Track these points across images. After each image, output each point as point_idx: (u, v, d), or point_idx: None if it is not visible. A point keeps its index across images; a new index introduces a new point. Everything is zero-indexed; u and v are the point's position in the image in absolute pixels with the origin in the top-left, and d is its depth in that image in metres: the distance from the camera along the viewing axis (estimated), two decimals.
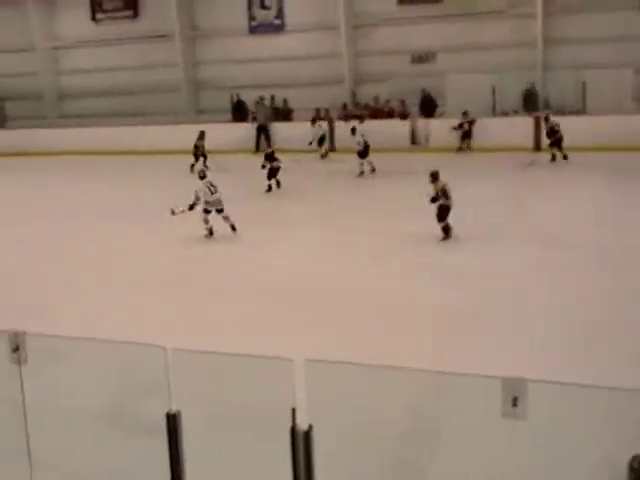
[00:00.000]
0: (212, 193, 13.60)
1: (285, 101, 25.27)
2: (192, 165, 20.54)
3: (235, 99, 25.78)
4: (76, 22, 28.70)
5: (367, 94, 24.82)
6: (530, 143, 21.48)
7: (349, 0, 24.80)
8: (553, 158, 19.64)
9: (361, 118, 23.13)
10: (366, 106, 24.61)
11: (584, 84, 22.10)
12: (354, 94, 25.27)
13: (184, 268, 12.02)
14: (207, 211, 13.69)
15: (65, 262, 12.62)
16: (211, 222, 13.74)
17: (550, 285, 10.01)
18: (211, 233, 13.83)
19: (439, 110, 23.66)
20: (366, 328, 8.72)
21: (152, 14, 27.36)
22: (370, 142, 19.12)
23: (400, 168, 19.54)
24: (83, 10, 28.51)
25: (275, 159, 17.52)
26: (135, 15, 27.88)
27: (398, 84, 23.76)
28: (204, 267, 12.25)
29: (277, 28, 26.08)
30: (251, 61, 25.62)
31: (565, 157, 19.35)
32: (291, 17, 25.77)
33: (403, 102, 23.74)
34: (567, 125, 19.36)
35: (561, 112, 21.38)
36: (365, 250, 12.38)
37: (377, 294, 9.99)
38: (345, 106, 24.72)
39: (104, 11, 28.41)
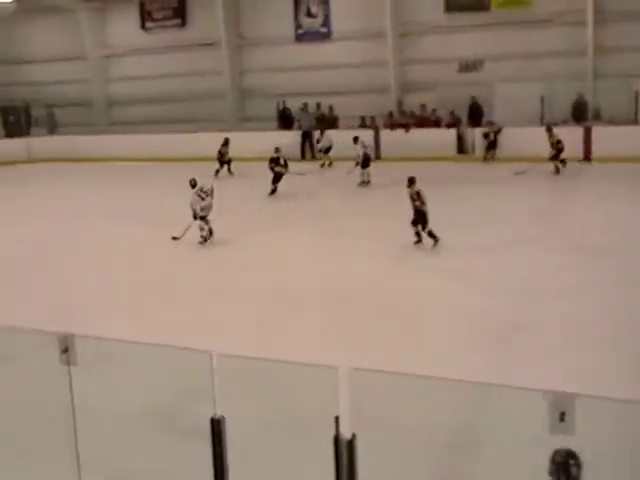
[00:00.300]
0: (203, 199, 13.91)
1: (331, 109, 25.32)
2: (217, 171, 21.37)
3: (281, 107, 25.91)
4: (126, 31, 29.25)
5: (413, 102, 24.72)
6: (579, 153, 21.12)
7: (396, 8, 24.75)
8: (557, 170, 19.31)
9: (407, 127, 23.06)
10: (412, 114, 24.52)
11: (637, 93, 21.69)
12: (400, 102, 25.19)
13: (233, 274, 12.11)
14: (202, 217, 13.93)
15: (114, 265, 12.82)
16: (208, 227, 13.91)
17: (594, 296, 9.82)
18: (205, 240, 14.01)
19: (485, 119, 23.47)
20: (407, 336, 8.67)
21: (200, 23, 27.72)
22: (371, 154, 19.53)
23: (444, 176, 19.44)
24: (133, 19, 29.04)
25: (280, 164, 17.89)
26: (183, 24, 28.29)
27: (445, 93, 23.63)
28: (251, 273, 12.32)
29: (323, 36, 26.18)
30: (297, 69, 25.75)
31: (564, 164, 19.20)
32: (337, 25, 25.83)
33: (452, 112, 23.55)
34: (618, 136, 19.02)
35: (612, 122, 21.00)
36: (386, 255, 12.35)
37: (407, 299, 9.92)
38: (391, 114, 24.67)
39: (153, 20, 28.89)
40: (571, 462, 3.76)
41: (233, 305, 10.20)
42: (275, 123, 25.88)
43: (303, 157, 24.25)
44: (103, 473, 5.18)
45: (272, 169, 17.96)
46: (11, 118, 30.65)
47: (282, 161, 17.97)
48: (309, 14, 26.43)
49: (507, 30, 23.40)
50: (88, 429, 4.95)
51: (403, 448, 4.39)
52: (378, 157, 22.75)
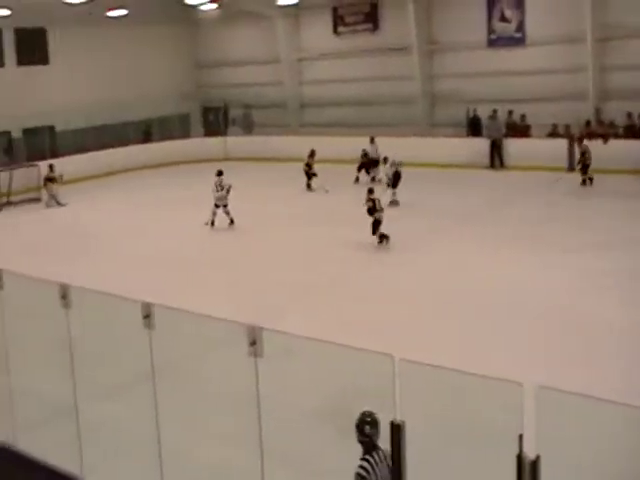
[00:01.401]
0: (217, 191, 16.79)
1: (523, 117, 24.53)
2: (308, 185, 21.61)
3: (471, 114, 25.43)
4: (319, 35, 30.08)
5: (612, 111, 23.34)
6: None
7: (597, 11, 23.49)
8: (584, 182, 19.56)
9: (605, 137, 21.86)
10: (611, 124, 23.15)
11: None
12: (598, 111, 23.85)
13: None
14: (216, 205, 16.88)
15: (293, 264, 13.25)
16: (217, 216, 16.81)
17: None
18: (212, 224, 16.95)
19: None
20: (609, 359, 8.21)
21: (391, 28, 27.91)
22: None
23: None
24: (326, 24, 29.81)
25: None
26: (375, 28, 28.61)
27: None
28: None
29: (517, 41, 25.44)
30: (489, 75, 25.19)
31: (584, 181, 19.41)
32: (532, 30, 24.98)
33: None
34: None
35: None
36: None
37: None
38: (588, 123, 23.32)
39: (345, 24, 29.48)
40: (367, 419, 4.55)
41: (417, 309, 10.21)
42: (464, 130, 25.47)
43: (492, 166, 23.70)
44: (284, 464, 5.34)
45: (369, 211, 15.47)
46: (210, 118, 32.60)
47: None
48: (503, 19, 25.80)
49: None
50: (271, 420, 5.12)
51: (589, 475, 4.16)
52: (571, 168, 21.75)
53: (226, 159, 27.81)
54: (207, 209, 17.50)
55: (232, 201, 17.37)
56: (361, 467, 4.61)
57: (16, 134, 26.82)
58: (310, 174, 21.84)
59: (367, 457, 4.64)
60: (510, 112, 24.61)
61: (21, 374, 7.36)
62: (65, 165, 24.41)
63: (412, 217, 17.25)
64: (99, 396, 7.29)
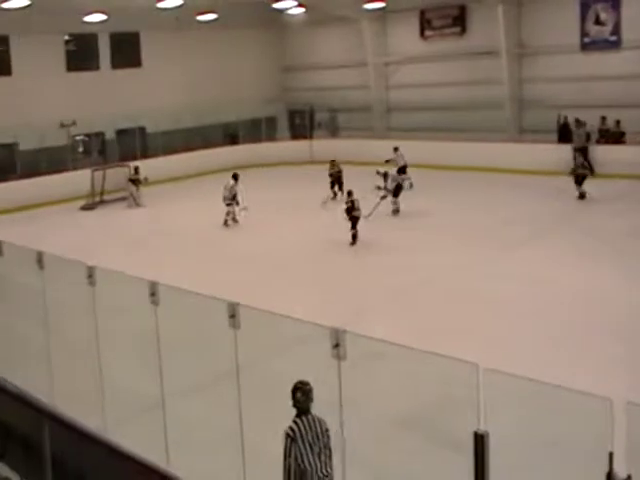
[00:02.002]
0: (225, 189, 18.82)
1: (617, 123, 23.73)
2: (335, 195, 21.35)
3: (562, 120, 24.76)
4: (406, 39, 29.93)
5: None
6: None
7: None
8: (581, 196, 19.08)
9: None
10: None
11: None
12: None
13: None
14: (227, 204, 18.75)
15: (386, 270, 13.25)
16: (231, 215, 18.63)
17: None
18: (225, 223, 18.73)
19: None
20: None
21: (479, 31, 27.49)
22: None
23: None
24: (413, 28, 29.62)
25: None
26: (462, 32, 28.25)
27: None
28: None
29: (612, 45, 24.64)
30: (581, 80, 24.47)
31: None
32: (629, 33, 24.14)
33: None
34: None
35: None
36: None
37: None
38: None
39: (433, 28, 29.23)
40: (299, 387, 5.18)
41: (504, 318, 10.05)
42: (554, 136, 24.81)
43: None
44: (365, 469, 5.34)
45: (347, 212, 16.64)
46: (297, 121, 32.93)
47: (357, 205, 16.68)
48: (597, 22, 25.03)
49: None
50: (354, 425, 5.13)
51: None
52: None
53: (311, 162, 28.03)
54: (291, 211, 17.70)
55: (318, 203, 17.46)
56: (289, 428, 5.29)
57: (109, 135, 27.78)
58: (334, 182, 21.84)
59: (296, 420, 5.32)
60: (603, 118, 23.87)
61: (111, 368, 7.61)
62: (154, 166, 25.20)
63: (497, 224, 17.00)
64: (185, 392, 7.47)
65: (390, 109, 30.64)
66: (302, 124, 32.22)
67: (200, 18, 27.39)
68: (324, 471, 5.25)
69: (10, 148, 24.79)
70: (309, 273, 14.00)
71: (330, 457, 5.30)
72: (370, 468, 5.28)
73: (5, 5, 18.16)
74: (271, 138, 31.26)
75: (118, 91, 27.23)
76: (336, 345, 5.20)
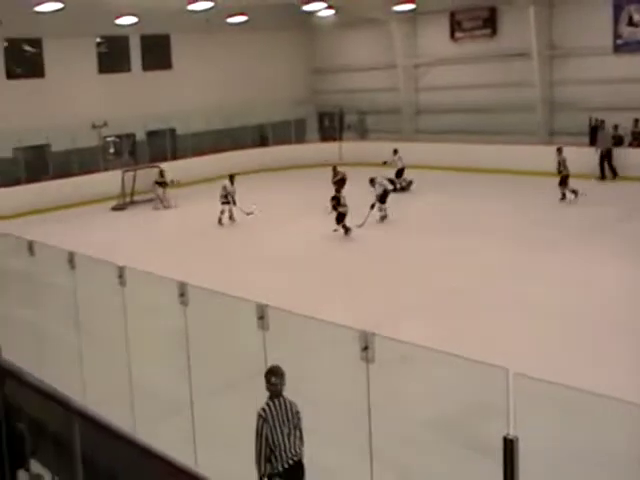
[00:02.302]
0: (222, 188, 19.80)
1: None
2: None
3: (593, 123, 24.47)
4: (436, 41, 29.79)
5: None
6: None
7: None
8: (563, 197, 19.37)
9: None
10: None
11: None
12: None
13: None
14: (223, 203, 19.75)
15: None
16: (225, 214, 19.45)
17: None
18: (219, 221, 19.58)
19: None
20: None
21: (510, 33, 27.26)
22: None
23: None
24: (443, 29, 29.48)
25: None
26: (493, 34, 28.04)
27: None
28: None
29: None
30: (613, 82, 24.16)
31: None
32: None
33: None
34: None
35: None
36: None
37: None
38: None
39: (463, 30, 29.06)
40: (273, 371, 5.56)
41: (537, 322, 9.96)
42: (586, 138, 24.52)
43: (603, 177, 22.66)
44: (393, 472, 5.32)
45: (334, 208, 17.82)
46: (326, 123, 32.97)
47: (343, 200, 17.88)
48: (631, 23, 24.70)
49: None
50: (382, 426, 5.12)
51: None
52: None
53: (341, 164, 28.01)
54: (319, 214, 17.75)
55: (351, 205, 17.49)
56: (262, 409, 5.65)
57: (140, 136, 28.03)
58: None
59: (268, 402, 5.67)
60: (637, 121, 23.56)
61: (140, 367, 7.67)
62: (184, 167, 25.40)
63: (527, 226, 16.88)
64: (214, 392, 7.50)
65: (419, 111, 30.52)
66: (331, 126, 32.29)
67: (230, 20, 27.54)
68: (293, 451, 5.62)
69: (43, 149, 25.13)
70: (338, 275, 14.00)
71: (300, 438, 5.68)
72: (398, 471, 5.26)
73: (39, 8, 18.42)
74: (300, 140, 31.31)
75: (149, 93, 27.47)
76: (365, 348, 5.20)
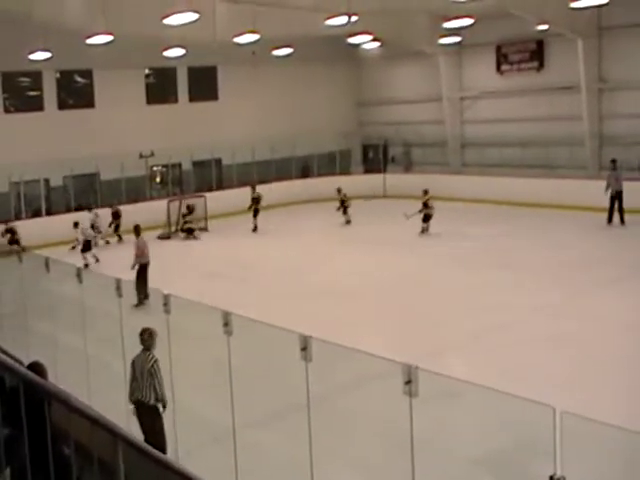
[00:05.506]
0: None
1: None
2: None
3: None
4: (482, 74, 29.74)
5: None
6: None
7: None
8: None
9: None
10: None
11: None
12: None
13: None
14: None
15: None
16: None
17: None
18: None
19: None
20: None
21: (558, 66, 27.09)
22: None
23: None
24: (489, 62, 29.44)
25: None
26: (540, 67, 27.91)
27: None
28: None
29: None
30: None
31: None
32: None
33: None
34: None
35: None
36: None
37: None
38: None
39: (510, 63, 28.99)
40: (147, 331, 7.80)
41: (582, 359, 9.77)
42: (637, 173, 23.91)
43: (609, 221, 21.09)
44: None
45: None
46: (370, 155, 33.06)
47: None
48: None
49: None
50: (426, 462, 5.05)
51: None
52: None
53: (385, 196, 28.02)
54: (364, 245, 17.75)
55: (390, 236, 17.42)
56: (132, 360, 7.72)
57: (186, 166, 28.46)
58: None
59: (140, 353, 7.63)
60: None
61: (184, 396, 7.72)
62: (228, 197, 25.67)
63: (577, 264, 16.60)
64: (256, 422, 7.50)
65: (465, 144, 30.44)
66: (376, 158, 32.30)
67: (276, 53, 27.91)
68: (144, 392, 7.50)
69: (92, 178, 25.67)
70: (382, 306, 13.92)
71: (159, 383, 7.42)
72: None
73: (90, 41, 18.93)
74: (345, 172, 31.41)
75: (195, 123, 27.93)
76: (408, 381, 5.15)
